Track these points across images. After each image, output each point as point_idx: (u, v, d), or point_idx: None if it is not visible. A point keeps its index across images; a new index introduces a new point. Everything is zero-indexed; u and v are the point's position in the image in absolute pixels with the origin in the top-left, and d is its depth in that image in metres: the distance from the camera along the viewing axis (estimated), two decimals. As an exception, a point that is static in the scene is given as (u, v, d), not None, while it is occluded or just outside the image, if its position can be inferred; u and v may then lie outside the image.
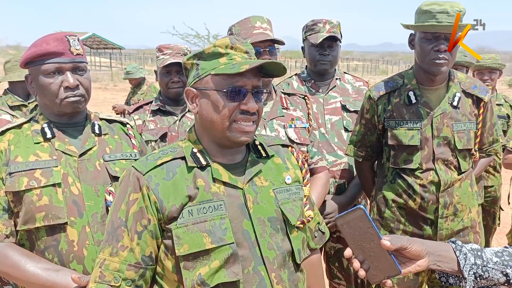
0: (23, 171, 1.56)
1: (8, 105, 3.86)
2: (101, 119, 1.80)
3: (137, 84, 6.79)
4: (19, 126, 1.67)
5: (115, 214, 1.28)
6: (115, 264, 1.24)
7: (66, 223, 1.55)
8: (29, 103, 3.94)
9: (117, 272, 1.23)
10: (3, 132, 1.65)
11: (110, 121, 1.82)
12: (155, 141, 2.41)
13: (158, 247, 1.27)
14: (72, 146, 1.65)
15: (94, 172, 1.64)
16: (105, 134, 1.74)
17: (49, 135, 1.63)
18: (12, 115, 2.44)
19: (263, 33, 2.12)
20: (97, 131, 1.72)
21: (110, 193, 1.61)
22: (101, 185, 1.62)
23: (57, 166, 1.59)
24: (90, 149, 1.67)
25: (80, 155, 1.64)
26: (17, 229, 1.57)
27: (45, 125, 1.65)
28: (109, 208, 1.57)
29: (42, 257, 1.56)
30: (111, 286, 1.23)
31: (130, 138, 1.81)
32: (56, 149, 1.62)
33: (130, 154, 1.74)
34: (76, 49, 1.62)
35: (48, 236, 1.55)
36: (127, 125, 1.84)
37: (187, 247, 1.21)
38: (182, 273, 1.22)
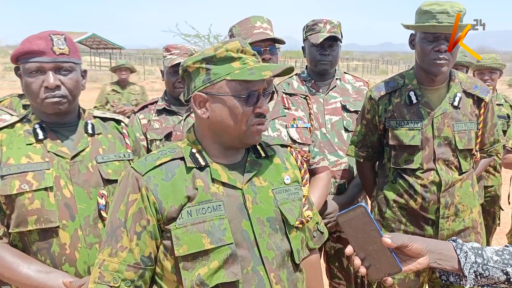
0: (15, 173, 1.54)
1: (23, 104, 3.84)
2: (95, 117, 1.77)
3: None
4: (12, 125, 1.65)
5: (114, 214, 1.27)
6: (114, 265, 1.24)
7: (58, 226, 1.54)
8: None
9: (116, 272, 1.23)
10: None
11: (104, 119, 1.79)
12: (160, 140, 2.42)
13: (157, 248, 1.27)
14: (64, 147, 1.62)
15: (86, 174, 1.61)
16: (98, 134, 1.71)
17: (41, 136, 1.61)
18: (12, 115, 2.43)
19: (263, 33, 2.12)
20: (90, 131, 1.69)
21: (102, 196, 1.60)
22: (94, 188, 1.61)
23: (49, 169, 1.57)
24: (83, 150, 1.64)
25: (73, 157, 1.61)
26: (9, 231, 1.57)
27: (37, 126, 1.63)
28: (101, 211, 1.59)
29: (35, 258, 1.56)
30: (110, 286, 1.23)
31: (124, 137, 1.78)
32: (48, 151, 1.60)
33: (124, 155, 1.72)
34: (60, 49, 1.56)
35: (40, 238, 1.55)
36: (122, 123, 1.82)
37: (186, 247, 1.21)
38: (181, 273, 1.22)
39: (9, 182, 1.53)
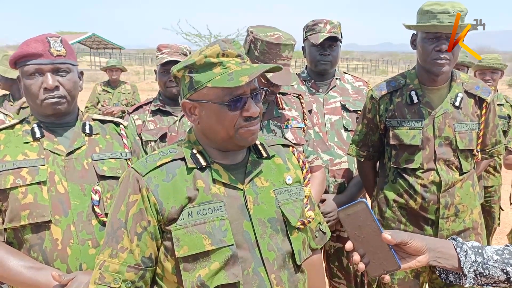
0: (10, 169, 1.58)
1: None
2: (94, 119, 1.80)
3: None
4: (12, 126, 1.70)
5: (115, 215, 1.27)
6: (115, 266, 1.23)
7: (50, 221, 1.55)
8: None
9: (117, 273, 1.23)
10: None
11: (103, 121, 1.82)
12: (155, 141, 2.41)
13: (158, 249, 1.27)
14: (61, 145, 1.65)
15: (81, 171, 1.64)
16: (96, 134, 1.74)
17: (38, 135, 1.65)
18: (6, 115, 2.43)
19: (285, 64, 2.05)
20: (87, 131, 1.72)
21: (96, 192, 1.62)
22: (88, 184, 1.62)
23: (44, 165, 1.60)
24: (79, 148, 1.67)
25: (68, 154, 1.64)
26: (3, 227, 1.59)
27: (35, 125, 1.67)
28: (95, 207, 1.60)
29: (28, 255, 1.56)
30: (111, 287, 1.22)
31: (122, 138, 1.80)
32: (45, 148, 1.63)
33: (121, 154, 1.74)
34: (57, 50, 1.61)
35: (33, 234, 1.56)
36: (120, 125, 1.84)
37: (187, 248, 1.20)
38: (182, 274, 1.21)
39: (4, 177, 1.57)
